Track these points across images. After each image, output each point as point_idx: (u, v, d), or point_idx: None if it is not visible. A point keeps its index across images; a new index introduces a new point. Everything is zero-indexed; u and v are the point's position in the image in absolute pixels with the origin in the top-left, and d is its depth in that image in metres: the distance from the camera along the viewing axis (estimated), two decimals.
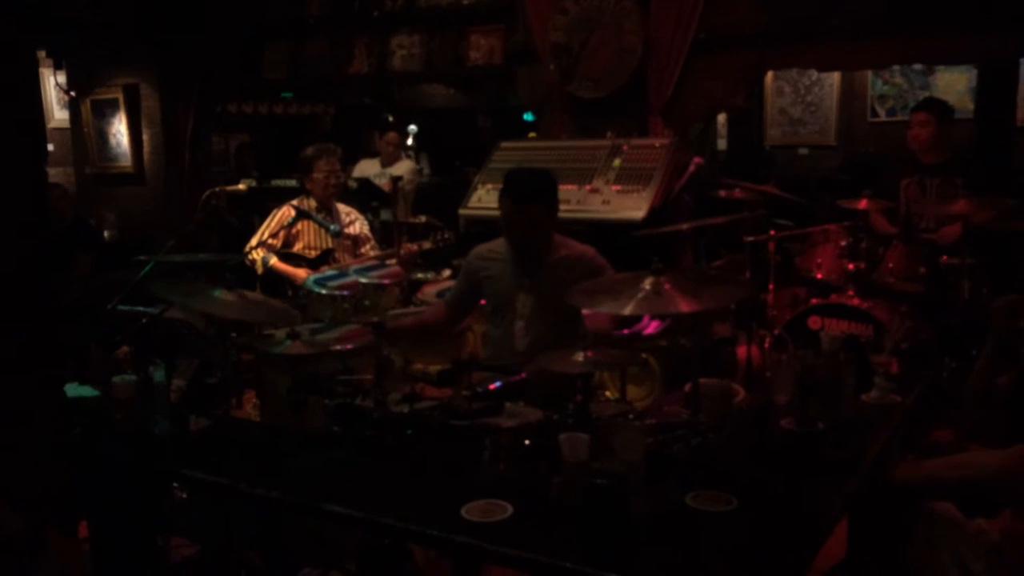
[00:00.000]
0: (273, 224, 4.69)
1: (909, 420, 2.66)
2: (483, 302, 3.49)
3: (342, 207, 4.89)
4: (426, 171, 9.15)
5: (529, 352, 3.08)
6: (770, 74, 7.99)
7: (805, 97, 8.26)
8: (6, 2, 2.48)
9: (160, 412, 2.72)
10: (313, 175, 4.70)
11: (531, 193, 3.17)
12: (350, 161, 6.66)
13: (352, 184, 5.70)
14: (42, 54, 6.95)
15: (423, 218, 5.54)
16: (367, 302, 4.18)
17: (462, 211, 5.02)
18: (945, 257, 4.42)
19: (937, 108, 4.84)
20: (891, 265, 4.48)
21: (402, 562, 2.74)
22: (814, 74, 8.05)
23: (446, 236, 4.62)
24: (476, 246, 3.50)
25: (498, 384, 2.66)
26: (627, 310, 2.35)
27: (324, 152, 4.75)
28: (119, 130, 7.08)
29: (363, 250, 4.86)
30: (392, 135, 7.00)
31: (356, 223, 4.89)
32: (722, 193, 5.00)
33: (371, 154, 7.09)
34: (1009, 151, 6.42)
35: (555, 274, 3.16)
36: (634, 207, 4.52)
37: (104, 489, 2.79)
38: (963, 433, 3.07)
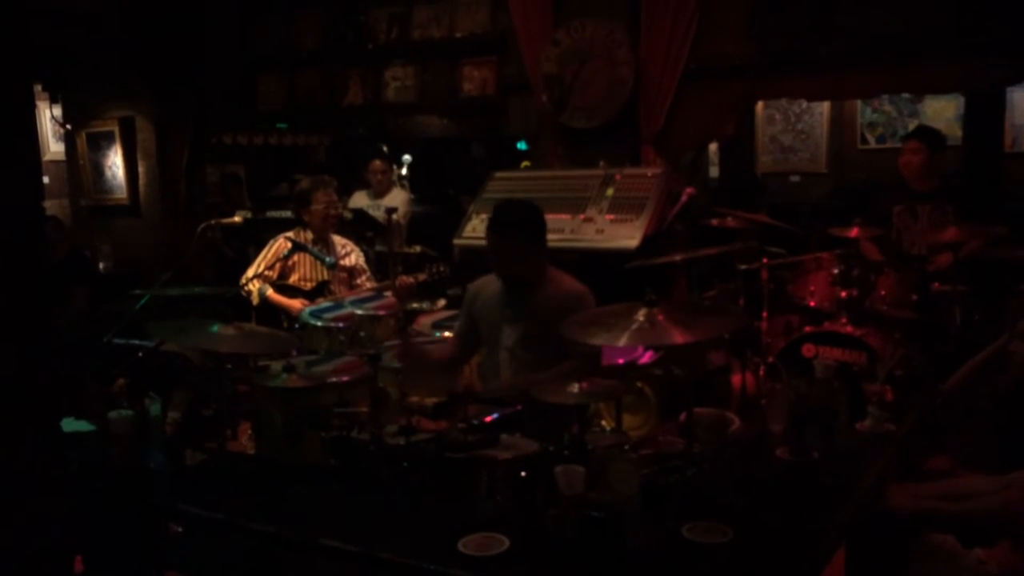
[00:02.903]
0: (269, 256, 4.70)
1: (904, 448, 2.67)
2: None
3: (338, 239, 4.91)
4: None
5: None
6: (760, 102, 8.07)
7: (796, 125, 8.34)
8: (3, 37, 2.50)
9: (156, 446, 2.72)
10: (312, 207, 4.72)
11: (510, 223, 3.20)
12: (344, 192, 6.66)
13: (347, 215, 5.72)
14: (38, 87, 6.99)
15: (418, 248, 5.56)
16: (362, 333, 4.19)
17: (457, 241, 5.05)
18: (937, 284, 4.45)
19: (929, 137, 4.90)
20: (883, 292, 4.51)
21: None
22: (804, 102, 8.14)
23: (441, 268, 4.63)
24: (476, 279, 3.51)
25: (494, 416, 2.66)
26: (621, 342, 2.36)
27: (320, 184, 4.78)
28: (114, 162, 7.10)
29: (359, 281, 4.88)
30: (377, 163, 6.79)
31: (352, 255, 4.91)
32: (714, 222, 5.04)
33: (366, 185, 7.09)
34: (998, 178, 6.48)
35: (542, 309, 3.16)
36: (627, 236, 4.54)
37: (100, 524, 2.78)
38: (958, 461, 3.09)
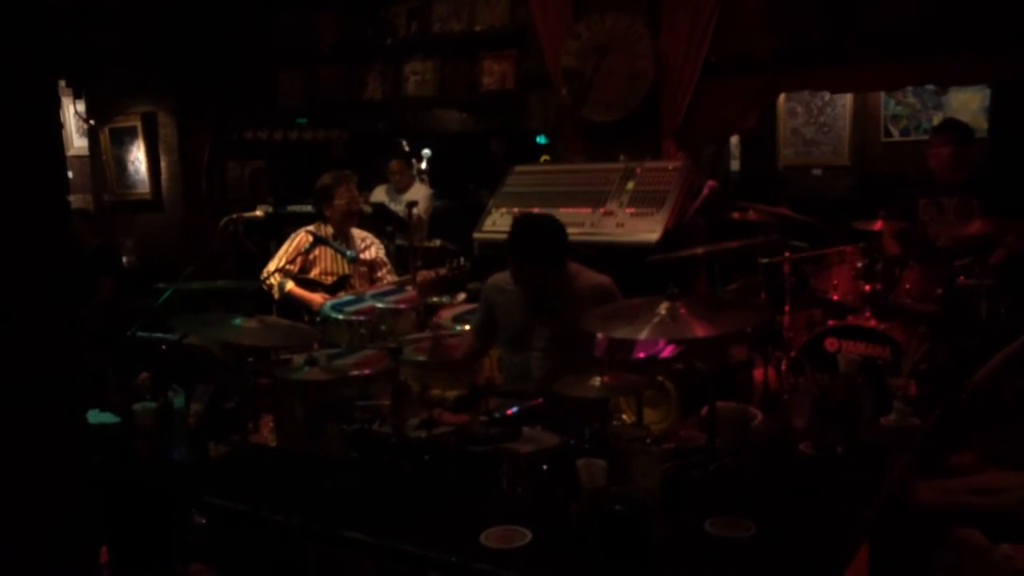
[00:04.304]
0: (290, 250, 4.72)
1: (929, 443, 2.65)
2: None
3: (357, 232, 4.92)
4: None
5: (546, 381, 3.08)
6: (782, 94, 8.00)
7: (818, 118, 8.26)
8: (28, 34, 2.52)
9: (180, 438, 2.74)
10: (335, 202, 4.74)
11: (532, 251, 3.19)
12: (365, 187, 6.70)
13: (367, 209, 5.74)
14: (62, 83, 7.06)
15: (438, 242, 5.58)
16: (384, 327, 4.20)
17: (476, 235, 5.04)
18: (962, 278, 4.39)
19: (957, 130, 4.85)
20: (908, 286, 4.46)
21: None
22: (826, 94, 8.05)
23: (462, 263, 4.63)
24: (492, 275, 3.50)
25: (515, 409, 2.66)
26: (643, 335, 2.36)
27: (342, 179, 4.80)
28: (137, 157, 7.17)
29: (380, 275, 4.89)
30: (395, 163, 6.93)
31: (372, 248, 4.92)
32: (736, 215, 5.00)
33: (386, 180, 7.11)
34: None
35: (570, 305, 3.15)
36: (648, 230, 4.53)
37: (124, 515, 2.81)
38: (983, 456, 3.05)
